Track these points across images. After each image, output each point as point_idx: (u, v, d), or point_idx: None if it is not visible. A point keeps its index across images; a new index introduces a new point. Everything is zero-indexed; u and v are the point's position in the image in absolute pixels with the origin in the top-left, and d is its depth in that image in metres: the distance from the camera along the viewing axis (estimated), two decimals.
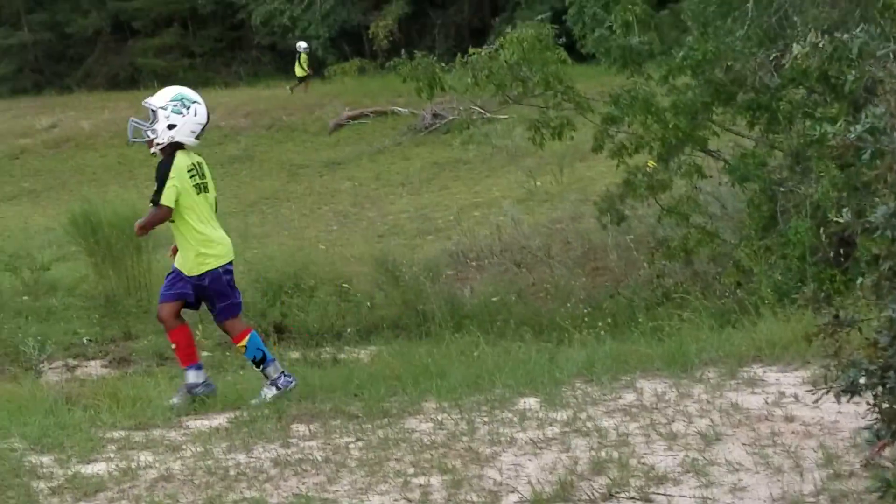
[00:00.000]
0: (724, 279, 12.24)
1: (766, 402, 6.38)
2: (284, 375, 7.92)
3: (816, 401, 4.47)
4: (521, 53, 13.68)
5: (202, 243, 7.97)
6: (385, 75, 32.87)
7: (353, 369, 8.78)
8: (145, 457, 6.34)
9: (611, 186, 14.58)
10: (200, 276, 7.94)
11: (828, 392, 4.33)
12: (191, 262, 7.97)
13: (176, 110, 8.00)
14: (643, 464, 5.67)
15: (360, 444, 6.36)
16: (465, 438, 6.31)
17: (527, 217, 20.39)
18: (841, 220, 4.40)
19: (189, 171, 7.97)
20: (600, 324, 12.02)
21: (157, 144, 7.99)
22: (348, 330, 14.90)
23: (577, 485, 5.51)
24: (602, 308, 13.56)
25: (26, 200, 31.38)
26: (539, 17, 14.31)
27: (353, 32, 44.94)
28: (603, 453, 5.84)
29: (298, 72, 39.41)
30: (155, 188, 7.89)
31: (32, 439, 6.72)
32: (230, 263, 8.08)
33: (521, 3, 40.75)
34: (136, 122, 8.15)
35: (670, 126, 12.62)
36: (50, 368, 13.86)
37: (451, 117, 28.34)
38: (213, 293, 7.97)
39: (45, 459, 6.36)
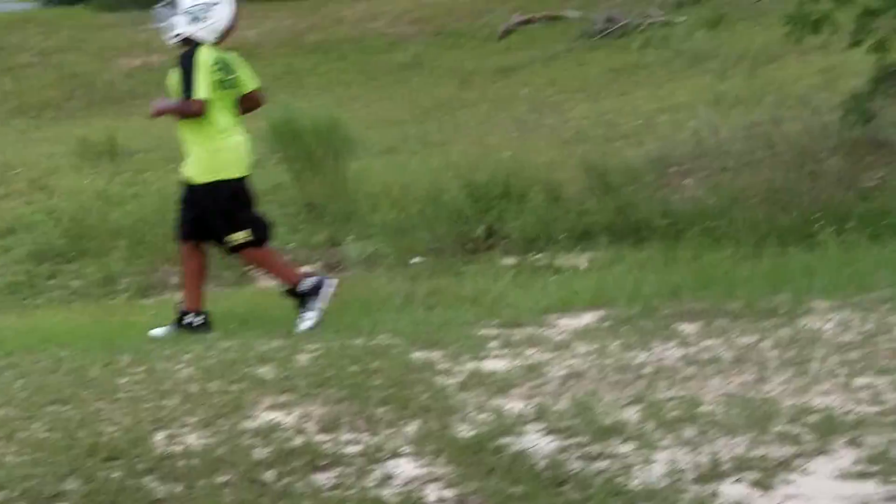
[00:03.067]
0: None
1: None
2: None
3: None
4: None
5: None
6: None
7: (698, 269, 8.31)
8: (536, 355, 6.00)
9: (810, 87, 13.71)
10: None
11: None
12: None
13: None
14: None
15: (767, 343, 5.96)
16: (883, 337, 5.89)
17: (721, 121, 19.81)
18: None
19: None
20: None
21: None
22: (561, 236, 14.52)
23: None
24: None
25: None
26: None
27: None
28: None
29: None
30: None
31: (406, 336, 6.40)
32: None
33: None
34: None
35: None
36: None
37: (625, 20, 27.74)
38: None
39: (434, 355, 6.03)
